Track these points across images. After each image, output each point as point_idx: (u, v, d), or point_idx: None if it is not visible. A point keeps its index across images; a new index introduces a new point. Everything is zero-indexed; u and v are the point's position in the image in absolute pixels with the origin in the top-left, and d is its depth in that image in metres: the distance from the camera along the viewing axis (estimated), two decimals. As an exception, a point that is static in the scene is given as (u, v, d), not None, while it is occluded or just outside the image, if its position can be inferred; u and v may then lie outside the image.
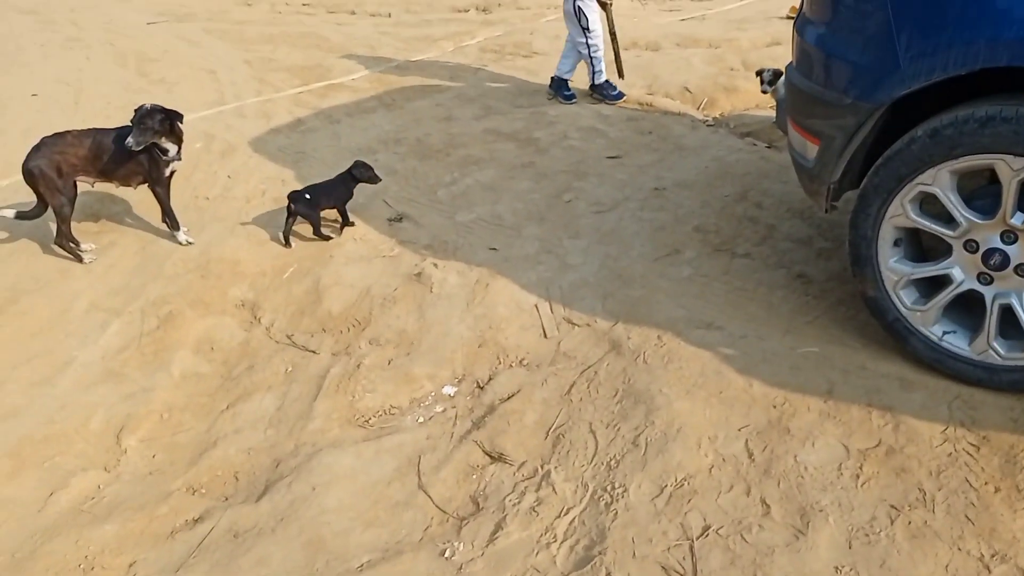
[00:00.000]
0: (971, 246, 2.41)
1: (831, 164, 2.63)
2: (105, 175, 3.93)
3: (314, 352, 3.34)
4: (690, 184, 4.26)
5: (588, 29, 5.55)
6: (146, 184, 3.99)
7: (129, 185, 4.01)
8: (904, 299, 2.60)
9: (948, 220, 2.43)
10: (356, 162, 4.19)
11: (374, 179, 4.16)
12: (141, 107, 3.76)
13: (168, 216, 4.04)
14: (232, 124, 5.62)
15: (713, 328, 3.06)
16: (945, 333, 2.56)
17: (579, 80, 5.91)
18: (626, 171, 4.51)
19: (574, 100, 5.74)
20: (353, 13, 8.69)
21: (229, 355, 3.41)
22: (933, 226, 2.46)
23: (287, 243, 4.04)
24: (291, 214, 4.00)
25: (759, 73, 4.90)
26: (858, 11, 2.45)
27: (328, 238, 4.06)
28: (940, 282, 2.53)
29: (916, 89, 2.32)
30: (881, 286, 2.63)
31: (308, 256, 3.97)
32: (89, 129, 3.92)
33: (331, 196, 4.12)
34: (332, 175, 4.24)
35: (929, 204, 2.47)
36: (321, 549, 2.36)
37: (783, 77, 4.88)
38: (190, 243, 4.07)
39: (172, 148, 3.88)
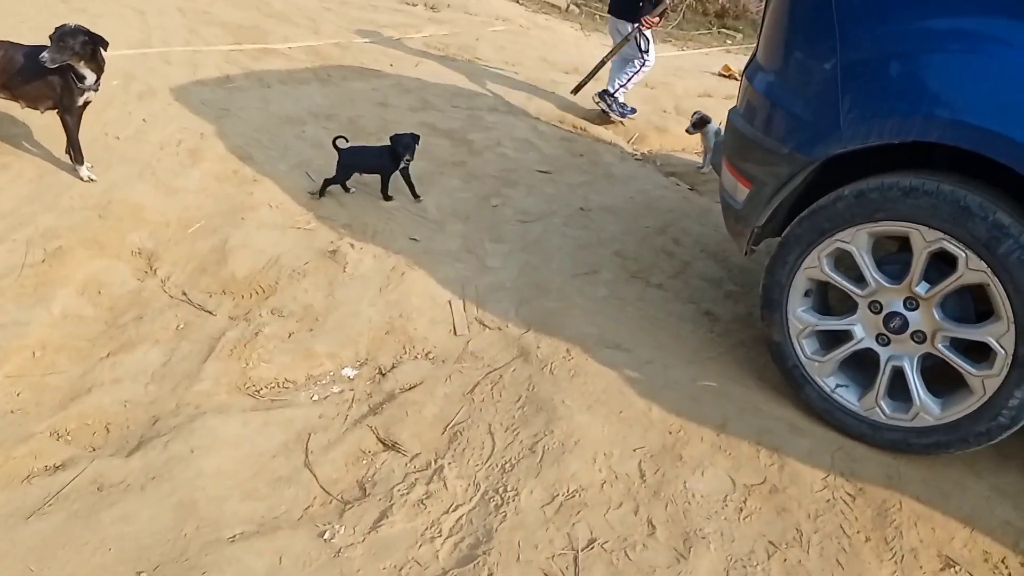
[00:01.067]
0: (875, 307, 2.53)
1: (759, 208, 2.72)
2: (12, 92, 3.64)
3: (210, 313, 3.18)
4: (615, 210, 4.33)
5: (646, 52, 5.76)
6: (55, 109, 3.72)
7: (36, 107, 3.73)
8: (806, 348, 2.70)
9: (858, 279, 2.55)
10: (394, 137, 4.03)
11: (411, 153, 4.02)
12: (63, 25, 3.51)
13: (73, 147, 3.78)
14: (155, 68, 5.34)
15: (621, 349, 3.10)
16: (838, 386, 2.67)
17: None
18: (555, 187, 4.54)
19: (634, 113, 5.93)
20: (299, -15, 8.46)
21: (117, 302, 3.20)
22: (844, 282, 2.57)
23: (321, 195, 4.04)
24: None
25: (694, 115, 5.06)
26: (808, 67, 2.55)
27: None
28: (840, 337, 2.64)
29: (851, 149, 2.43)
30: (786, 332, 2.73)
31: (219, 214, 3.79)
32: (1, 41, 3.63)
33: (371, 163, 4.06)
34: (255, 136, 4.09)
35: (842, 261, 2.59)
36: (192, 513, 2.22)
37: (712, 124, 5.09)
38: (92, 180, 3.82)
39: (90, 76, 3.64)
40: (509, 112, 5.76)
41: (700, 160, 5.27)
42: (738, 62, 10.25)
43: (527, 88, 6.38)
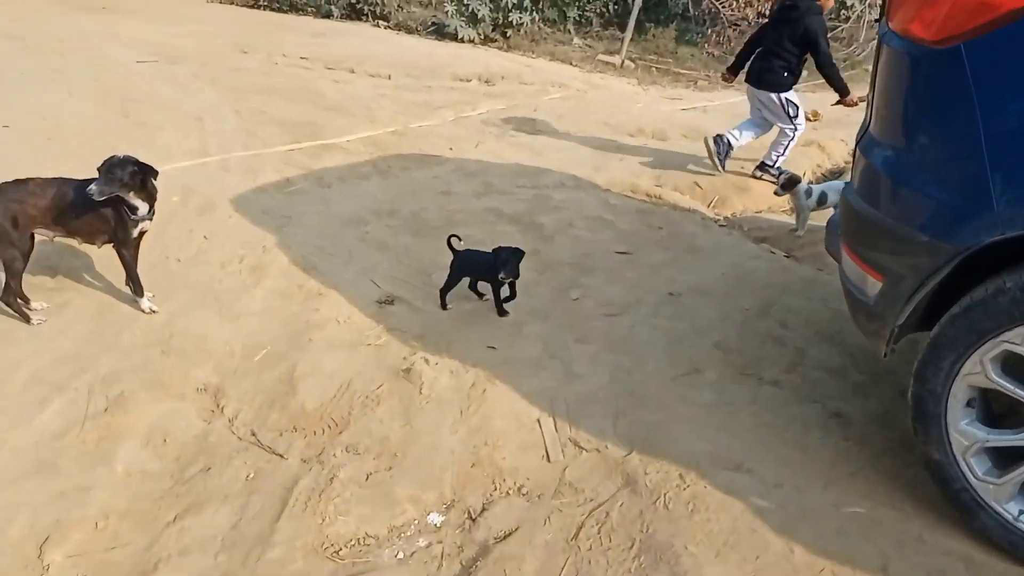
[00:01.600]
0: (1061, 417, 2.08)
1: (897, 305, 2.31)
2: (66, 229, 3.51)
3: (281, 456, 2.91)
4: (707, 291, 3.94)
5: (795, 117, 5.76)
6: (111, 243, 3.58)
7: (93, 243, 3.60)
8: (975, 468, 2.26)
9: (1035, 385, 2.11)
10: (497, 250, 3.66)
11: (510, 273, 3.60)
12: (112, 156, 3.37)
13: (132, 280, 3.62)
14: (215, 178, 5.25)
15: (743, 471, 2.69)
16: (1022, 512, 2.21)
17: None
18: (637, 270, 4.19)
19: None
20: (352, 72, 8.44)
21: (183, 450, 2.96)
22: (1017, 390, 2.13)
23: (444, 306, 3.82)
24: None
25: (779, 174, 4.67)
26: (942, 142, 2.16)
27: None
28: (1020, 453, 2.19)
29: (1009, 236, 2.02)
30: (948, 450, 2.29)
31: (285, 336, 3.56)
32: (54, 178, 3.52)
33: (478, 270, 3.76)
34: (317, 243, 3.88)
35: (1012, 364, 2.15)
36: None
37: (803, 184, 4.69)
38: (154, 311, 3.65)
39: (142, 206, 3.49)
40: (577, 187, 5.46)
41: (792, 221, 4.85)
42: (807, 101, 9.82)
43: (592, 157, 6.10)
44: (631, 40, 11.54)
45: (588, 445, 2.89)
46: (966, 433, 2.25)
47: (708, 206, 5.40)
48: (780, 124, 5.80)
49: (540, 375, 3.30)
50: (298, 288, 3.95)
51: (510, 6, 11.03)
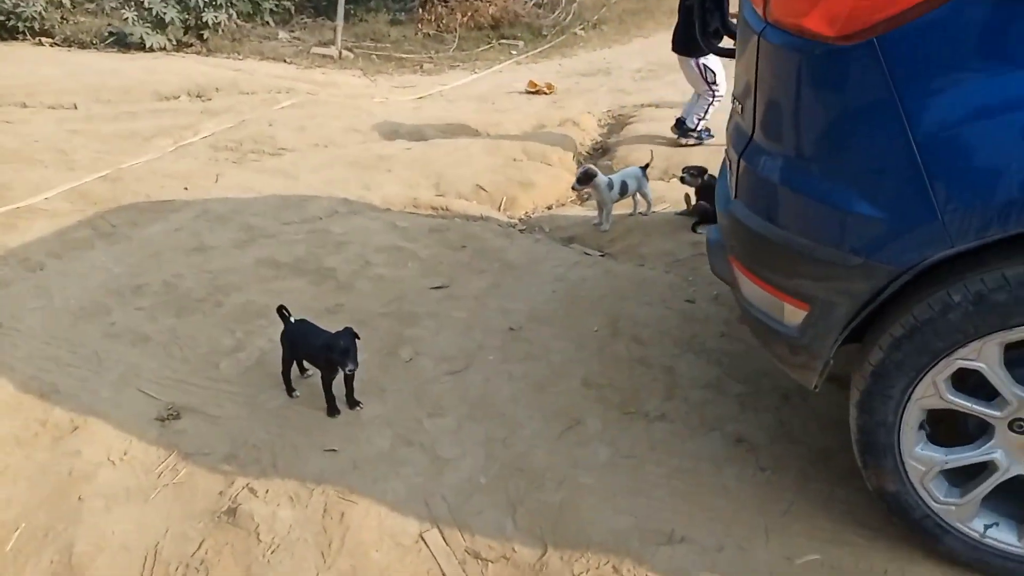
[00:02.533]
0: (1019, 426, 1.93)
1: (831, 336, 2.05)
2: None
3: None
4: (546, 318, 3.55)
5: (714, 83, 5.79)
6: None
7: None
8: (934, 492, 2.08)
9: (989, 397, 1.95)
10: (328, 342, 2.87)
11: (342, 362, 2.81)
12: None
13: None
14: None
15: (676, 540, 2.34)
16: (987, 527, 2.07)
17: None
18: (461, 306, 3.68)
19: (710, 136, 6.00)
20: (24, 106, 6.87)
21: None
22: (975, 407, 1.96)
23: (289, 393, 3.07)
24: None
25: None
26: (861, 151, 1.88)
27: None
28: (977, 469, 2.04)
29: (961, 249, 1.80)
30: (905, 479, 2.09)
31: (41, 502, 2.60)
32: None
33: (317, 353, 2.89)
34: (50, 353, 2.91)
35: (963, 379, 1.97)
36: None
37: (601, 177, 4.44)
38: None
39: None
40: (353, 212, 4.80)
41: (596, 216, 4.60)
42: (533, 73, 9.83)
43: (355, 173, 5.44)
44: (343, 27, 10.80)
45: (492, 554, 2.37)
46: (922, 459, 2.06)
47: (499, 209, 5.01)
48: (701, 91, 5.89)
49: (402, 473, 2.70)
50: (40, 426, 2.94)
51: (201, 4, 9.76)
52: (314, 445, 2.83)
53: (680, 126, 6.01)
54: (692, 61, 5.73)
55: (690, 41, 5.49)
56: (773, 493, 2.49)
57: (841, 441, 2.66)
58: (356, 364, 2.83)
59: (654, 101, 7.80)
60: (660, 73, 9.41)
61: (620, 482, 2.58)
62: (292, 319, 3.08)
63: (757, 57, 2.06)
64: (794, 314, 2.12)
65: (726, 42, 2.93)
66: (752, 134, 2.16)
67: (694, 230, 4.32)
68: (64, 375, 3.20)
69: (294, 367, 3.11)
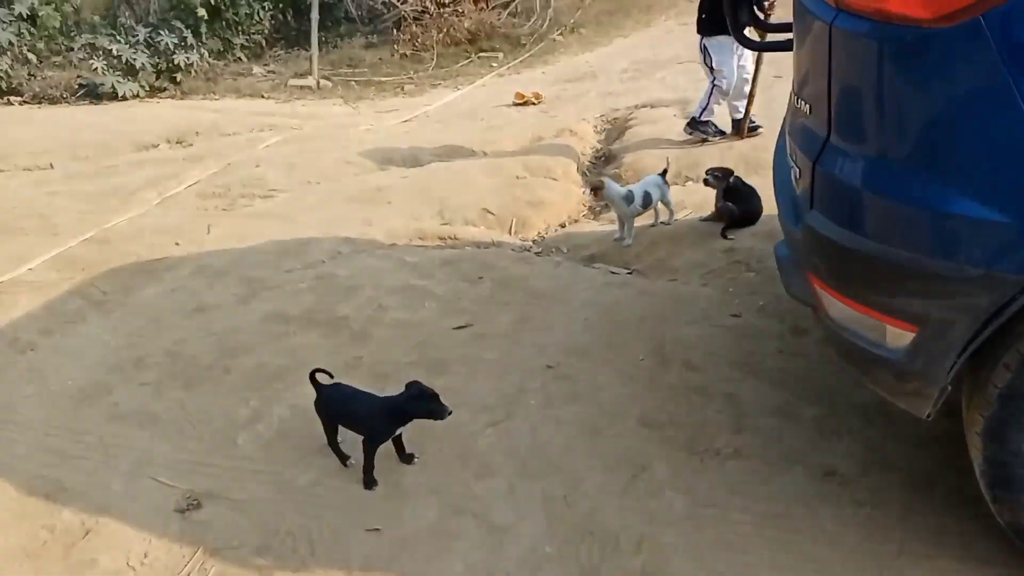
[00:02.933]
0: None
1: (948, 359, 1.78)
2: None
3: None
4: (585, 350, 3.27)
5: (718, 70, 5.41)
6: None
7: None
8: (1083, 525, 1.80)
9: None
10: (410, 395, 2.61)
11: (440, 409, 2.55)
12: None
13: None
14: None
15: (783, 601, 2.06)
16: None
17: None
18: (490, 345, 3.40)
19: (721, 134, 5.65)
20: (-1, 170, 6.59)
21: None
22: None
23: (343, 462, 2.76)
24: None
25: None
26: (972, 146, 1.62)
27: None
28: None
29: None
30: (1047, 511, 1.82)
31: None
32: None
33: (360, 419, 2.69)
34: (52, 444, 2.65)
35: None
36: None
37: (612, 186, 4.18)
38: None
39: None
40: (358, 251, 4.51)
41: (616, 231, 4.33)
42: (517, 84, 9.58)
43: (354, 209, 5.15)
44: (317, 56, 10.53)
45: (572, 636, 2.09)
46: (1065, 488, 1.79)
47: (510, 233, 4.73)
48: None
49: (457, 548, 2.42)
50: (49, 533, 2.64)
51: (171, 47, 9.48)
52: (354, 525, 2.54)
53: (691, 124, 5.69)
54: (699, 41, 5.44)
55: (700, 20, 5.26)
56: (879, 532, 2.22)
57: (941, 462, 2.40)
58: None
59: (647, 101, 7.54)
60: (647, 72, 9.17)
61: (706, 537, 2.30)
62: (326, 384, 2.78)
63: (829, 49, 1.80)
64: (899, 336, 1.86)
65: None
66: (828, 136, 1.90)
67: (724, 236, 4.06)
68: (70, 469, 2.91)
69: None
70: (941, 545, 2.14)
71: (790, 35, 2.76)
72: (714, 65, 5.45)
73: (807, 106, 2.00)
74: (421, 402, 2.57)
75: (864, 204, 1.85)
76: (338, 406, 2.74)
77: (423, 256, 4.35)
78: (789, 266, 2.19)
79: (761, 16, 4.58)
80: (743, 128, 5.56)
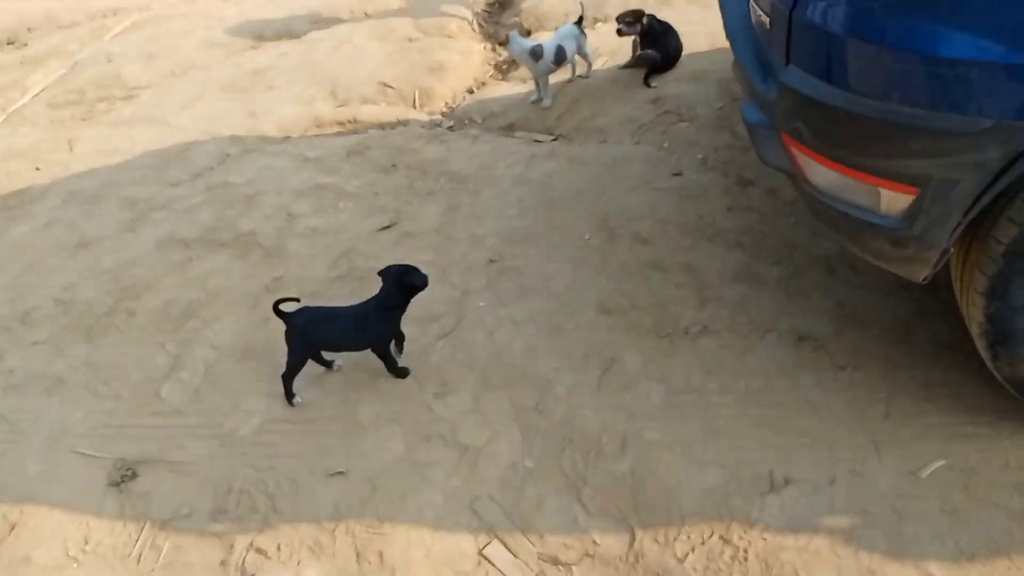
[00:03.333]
0: None
1: (951, 218, 1.63)
2: None
3: None
4: (526, 236, 3.05)
5: None
6: None
7: None
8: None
9: None
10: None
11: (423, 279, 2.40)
12: None
13: None
14: None
15: (781, 484, 2.02)
16: None
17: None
18: (423, 244, 3.13)
19: None
20: None
21: None
22: None
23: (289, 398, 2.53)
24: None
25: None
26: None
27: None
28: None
29: None
30: (1047, 362, 1.76)
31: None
32: None
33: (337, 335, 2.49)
34: None
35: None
36: None
37: (520, 40, 3.78)
38: None
39: None
40: (248, 150, 4.04)
41: (532, 92, 3.98)
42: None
43: (231, 100, 4.60)
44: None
45: (571, 554, 2.02)
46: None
47: (415, 107, 4.32)
48: None
49: (431, 477, 2.26)
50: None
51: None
52: (314, 471, 2.33)
53: None
54: None
55: None
56: (864, 395, 2.16)
57: (913, 308, 2.34)
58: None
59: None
60: None
61: (691, 427, 2.20)
62: (293, 312, 2.46)
63: None
64: (896, 200, 1.69)
65: None
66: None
67: (647, 84, 3.78)
68: None
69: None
70: (929, 398, 2.10)
71: None
72: None
73: (776, -55, 1.71)
74: (407, 277, 2.38)
75: (855, 55, 1.62)
76: (319, 330, 2.46)
77: (325, 147, 3.93)
78: (762, 130, 1.97)
79: None
80: None
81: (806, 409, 2.16)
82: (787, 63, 1.75)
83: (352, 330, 2.44)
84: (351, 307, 2.48)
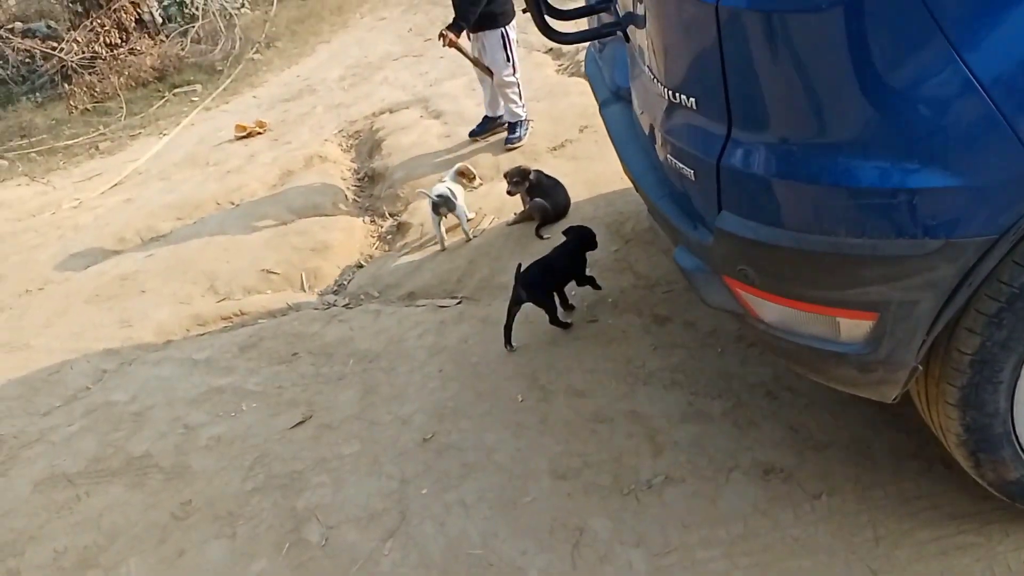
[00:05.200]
0: None
1: (915, 338, 1.64)
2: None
3: None
4: (456, 408, 2.89)
5: (514, 60, 4.81)
6: None
7: None
8: (1061, 460, 1.78)
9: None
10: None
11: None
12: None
13: None
14: None
15: None
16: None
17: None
18: (344, 436, 2.89)
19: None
20: None
21: None
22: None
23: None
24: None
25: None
26: (910, 110, 1.46)
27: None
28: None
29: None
30: (1025, 459, 1.77)
31: None
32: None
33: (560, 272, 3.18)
34: None
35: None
36: None
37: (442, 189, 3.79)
38: None
39: None
40: (127, 361, 3.72)
41: (414, 259, 3.94)
42: (228, 115, 8.74)
43: (103, 307, 4.27)
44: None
45: None
46: (1043, 430, 1.74)
47: (304, 289, 4.16)
48: (500, 72, 4.83)
49: None
50: None
51: None
52: None
53: (511, 129, 4.98)
54: (497, 33, 4.70)
55: (486, 13, 4.64)
56: (846, 522, 2.10)
57: (866, 423, 2.34)
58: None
59: (384, 107, 7.15)
60: (366, 75, 8.75)
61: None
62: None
63: (719, 34, 1.55)
64: (855, 328, 1.70)
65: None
66: (729, 131, 1.67)
67: (539, 235, 3.83)
68: None
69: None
70: (911, 514, 2.06)
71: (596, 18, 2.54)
72: (499, 58, 4.81)
73: (691, 100, 1.75)
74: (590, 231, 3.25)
75: (788, 196, 1.64)
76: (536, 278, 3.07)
77: (213, 346, 3.66)
78: (700, 275, 1.96)
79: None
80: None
81: (795, 548, 2.06)
82: (720, 210, 1.77)
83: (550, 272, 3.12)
84: (548, 255, 3.21)
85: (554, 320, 3.10)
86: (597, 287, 3.25)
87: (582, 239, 3.23)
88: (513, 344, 3.07)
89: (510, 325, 3.08)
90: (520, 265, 3.11)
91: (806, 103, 1.57)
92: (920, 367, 1.70)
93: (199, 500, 2.72)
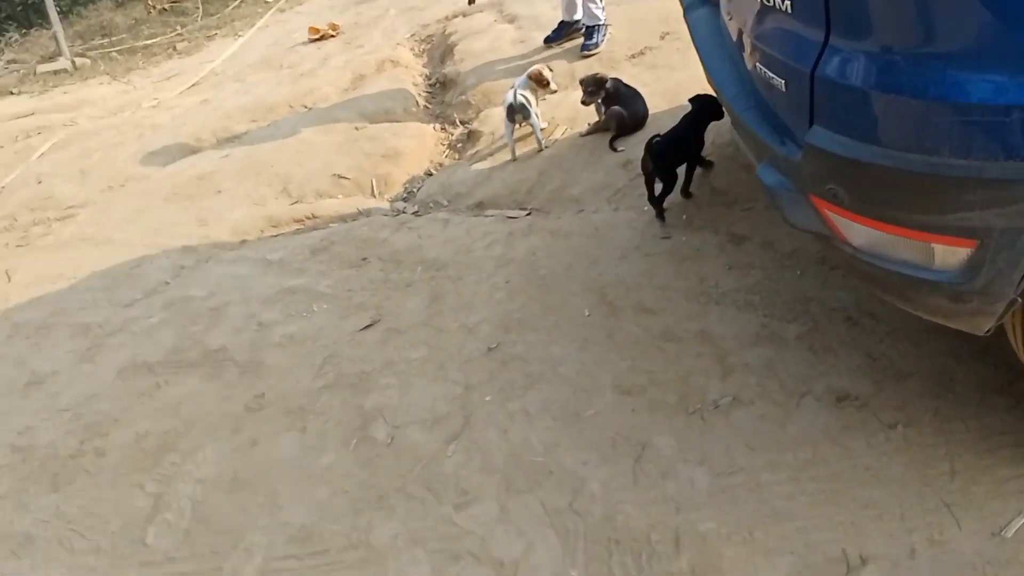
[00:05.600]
0: None
1: (1015, 269, 1.53)
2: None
3: None
4: (522, 319, 2.89)
5: None
6: None
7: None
8: None
9: None
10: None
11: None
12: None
13: None
14: None
15: (857, 565, 1.85)
16: None
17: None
18: (412, 340, 2.93)
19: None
20: None
21: None
22: None
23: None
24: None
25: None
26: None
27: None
28: None
29: None
30: None
31: None
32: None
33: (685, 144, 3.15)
34: None
35: None
36: None
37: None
38: None
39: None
40: (204, 259, 3.82)
41: (483, 166, 3.89)
42: (304, 16, 8.66)
43: (180, 205, 4.38)
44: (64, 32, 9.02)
45: None
46: None
47: (374, 195, 4.17)
48: None
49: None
50: None
51: None
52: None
53: (588, 34, 4.75)
54: None
55: None
56: (923, 454, 2.04)
57: (951, 353, 2.24)
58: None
59: (456, 11, 6.96)
60: (442, -25, 8.50)
61: (746, 512, 2.03)
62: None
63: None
64: (951, 255, 1.59)
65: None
66: (827, 37, 1.55)
67: (612, 148, 3.72)
68: None
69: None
70: (991, 450, 1.99)
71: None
72: None
73: (786, 3, 1.63)
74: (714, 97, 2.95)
75: (889, 111, 1.53)
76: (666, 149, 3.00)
77: (286, 248, 3.73)
78: (786, 194, 1.87)
79: None
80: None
81: (865, 478, 2.02)
82: (811, 124, 1.66)
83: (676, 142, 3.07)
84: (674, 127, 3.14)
85: (661, 198, 3.08)
86: (709, 165, 3.28)
87: (705, 106, 3.11)
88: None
89: (654, 196, 3.08)
90: (654, 137, 3.05)
91: (915, 7, 1.44)
92: (1020, 299, 1.59)
93: (272, 394, 2.81)
